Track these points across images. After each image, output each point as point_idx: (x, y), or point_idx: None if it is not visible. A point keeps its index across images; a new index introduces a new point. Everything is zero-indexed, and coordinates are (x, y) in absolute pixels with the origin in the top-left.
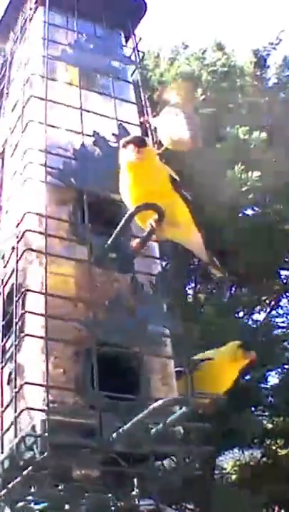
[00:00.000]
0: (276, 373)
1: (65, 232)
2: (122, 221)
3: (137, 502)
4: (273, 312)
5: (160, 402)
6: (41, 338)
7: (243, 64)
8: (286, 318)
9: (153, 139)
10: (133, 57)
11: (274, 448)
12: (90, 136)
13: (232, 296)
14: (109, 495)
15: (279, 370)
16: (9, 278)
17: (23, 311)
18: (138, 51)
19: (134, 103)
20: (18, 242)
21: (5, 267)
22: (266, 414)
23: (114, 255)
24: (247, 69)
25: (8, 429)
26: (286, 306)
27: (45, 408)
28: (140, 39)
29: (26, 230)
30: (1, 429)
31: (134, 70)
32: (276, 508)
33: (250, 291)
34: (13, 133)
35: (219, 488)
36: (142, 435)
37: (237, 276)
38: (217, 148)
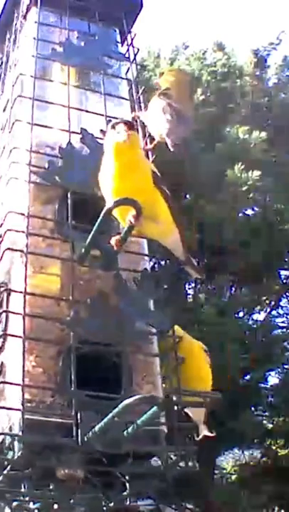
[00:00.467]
0: (276, 373)
1: (49, 231)
2: (100, 216)
3: (128, 502)
4: (273, 312)
5: (130, 399)
6: (20, 337)
7: (243, 64)
8: (286, 318)
9: (144, 134)
10: (128, 54)
11: (274, 448)
12: (78, 134)
13: (232, 296)
14: (100, 495)
15: (279, 370)
16: None
17: (1, 311)
18: (133, 47)
19: (126, 99)
20: (0, 242)
21: None
22: (266, 414)
23: (96, 253)
24: (247, 69)
25: None
26: (286, 306)
27: (21, 407)
28: (135, 35)
29: (7, 230)
30: None
31: (128, 69)
32: (276, 508)
33: (250, 291)
34: (3, 133)
35: (219, 488)
36: (118, 434)
37: (237, 277)
38: (217, 147)
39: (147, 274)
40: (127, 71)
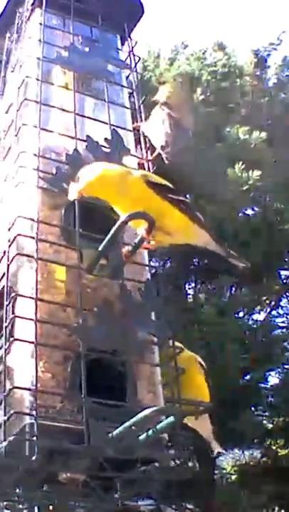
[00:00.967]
0: (276, 373)
1: (56, 237)
2: (114, 228)
3: (119, 505)
4: (273, 312)
5: (148, 410)
6: (31, 343)
7: (243, 64)
8: (286, 318)
9: (145, 144)
10: (128, 61)
11: (274, 448)
12: (83, 140)
13: (232, 296)
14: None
15: (279, 370)
16: None
17: (12, 316)
18: (134, 55)
19: (127, 108)
20: (9, 246)
21: None
22: (266, 414)
23: (104, 262)
24: (247, 69)
25: None
26: (286, 306)
27: (34, 412)
28: (136, 43)
29: (18, 235)
30: None
31: (129, 75)
32: (276, 508)
33: (250, 291)
34: (7, 135)
35: (219, 488)
36: (130, 441)
37: (237, 277)
38: (217, 147)
39: (150, 284)
40: (127, 77)
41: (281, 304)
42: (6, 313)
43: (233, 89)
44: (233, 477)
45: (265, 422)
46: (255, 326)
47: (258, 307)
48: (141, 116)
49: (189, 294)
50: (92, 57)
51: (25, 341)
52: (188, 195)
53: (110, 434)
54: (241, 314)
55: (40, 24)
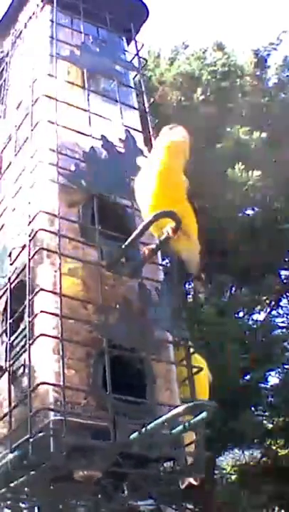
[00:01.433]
0: (276, 373)
1: (74, 234)
2: (140, 226)
3: (126, 504)
4: (273, 312)
5: (182, 407)
6: (56, 338)
7: (243, 64)
8: (286, 318)
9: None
10: (134, 63)
11: (274, 448)
12: (97, 139)
13: (232, 296)
14: (99, 496)
15: (279, 370)
16: (17, 276)
17: (38, 311)
18: (140, 57)
19: (136, 109)
20: (30, 240)
21: (12, 264)
22: (266, 414)
23: (124, 260)
24: (247, 69)
25: (16, 429)
26: (286, 306)
27: (61, 408)
28: (142, 45)
29: (40, 229)
30: (10, 428)
31: (135, 76)
32: (276, 508)
33: (250, 291)
34: (19, 131)
35: (219, 488)
36: (156, 438)
37: (237, 277)
38: (217, 148)
39: (166, 283)
40: (134, 78)
41: (281, 304)
42: (29, 308)
43: (233, 89)
44: (233, 477)
45: (265, 422)
46: (255, 326)
47: (258, 307)
48: (147, 119)
49: (189, 294)
50: (102, 57)
51: (52, 337)
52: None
53: (142, 431)
54: (241, 314)
55: (52, 21)
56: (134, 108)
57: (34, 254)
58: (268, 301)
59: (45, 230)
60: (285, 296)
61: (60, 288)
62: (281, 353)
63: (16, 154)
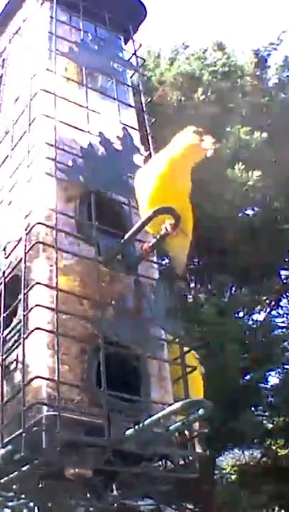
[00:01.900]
0: (276, 373)
1: (70, 229)
2: (139, 222)
3: (116, 504)
4: (273, 312)
5: (178, 404)
6: (52, 332)
7: (243, 64)
8: (286, 318)
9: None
10: (132, 62)
11: (274, 448)
12: (95, 135)
13: (232, 296)
14: (88, 495)
15: (279, 370)
16: (12, 270)
17: (34, 305)
18: (137, 57)
19: (133, 107)
20: (27, 234)
21: (6, 257)
22: (266, 414)
23: (120, 256)
24: (247, 69)
25: (7, 424)
26: (286, 306)
27: (55, 404)
28: (140, 45)
29: (37, 223)
30: (2, 423)
31: (133, 75)
32: (276, 508)
33: (250, 291)
34: (16, 125)
35: (219, 488)
36: (150, 436)
37: (237, 277)
38: (217, 147)
39: (161, 281)
40: (131, 77)
41: (281, 304)
42: (24, 303)
43: (234, 89)
44: (233, 477)
45: (265, 422)
46: (255, 326)
47: (258, 307)
48: (144, 118)
49: (189, 294)
50: (100, 55)
51: (47, 331)
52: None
53: (136, 427)
54: (241, 314)
55: (51, 18)
56: (131, 106)
57: (30, 248)
58: (267, 301)
59: (43, 224)
60: (285, 296)
61: (57, 282)
62: (281, 353)
63: (12, 148)
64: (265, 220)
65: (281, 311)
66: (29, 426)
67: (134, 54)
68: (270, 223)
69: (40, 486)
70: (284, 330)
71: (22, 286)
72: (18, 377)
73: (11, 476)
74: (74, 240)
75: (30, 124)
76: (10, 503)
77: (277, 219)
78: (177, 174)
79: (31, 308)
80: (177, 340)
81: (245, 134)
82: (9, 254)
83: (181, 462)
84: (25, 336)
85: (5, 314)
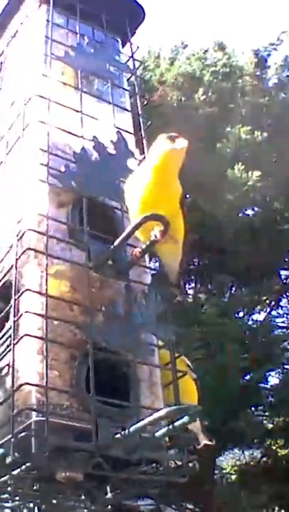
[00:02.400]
0: (276, 373)
1: (62, 235)
2: (128, 229)
3: (109, 506)
4: (273, 312)
5: (165, 410)
6: (41, 339)
7: (243, 64)
8: (286, 318)
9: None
10: (129, 65)
11: (274, 448)
12: (88, 140)
13: (232, 296)
14: (83, 497)
15: (279, 370)
16: (4, 276)
17: (23, 311)
18: (134, 60)
19: (129, 111)
20: (18, 240)
21: None
22: (266, 414)
23: (111, 262)
24: (247, 69)
25: None
26: (286, 306)
27: (44, 409)
28: (138, 48)
29: (28, 229)
30: None
31: (130, 78)
32: (276, 508)
33: (250, 291)
34: (11, 130)
35: (219, 488)
36: (137, 441)
37: (237, 277)
38: (217, 148)
39: (153, 286)
40: (128, 80)
41: (281, 304)
42: (14, 309)
43: (234, 89)
44: (233, 477)
45: (265, 422)
46: (255, 326)
47: (258, 307)
48: (139, 121)
49: (189, 295)
50: (97, 59)
51: (36, 337)
52: (188, 196)
53: (122, 433)
54: (241, 314)
55: (47, 21)
56: (127, 110)
57: (21, 255)
58: (268, 301)
59: (34, 231)
60: (285, 296)
61: (46, 289)
62: (281, 353)
63: (7, 154)
64: (265, 220)
65: (281, 311)
66: (18, 431)
67: (132, 57)
68: (270, 223)
69: (35, 488)
70: (284, 330)
71: (13, 293)
72: (9, 382)
73: (3, 478)
74: (66, 246)
75: (23, 130)
76: (6, 504)
77: (277, 219)
78: (163, 183)
79: (21, 314)
80: (168, 345)
81: (245, 134)
82: (1, 260)
83: (174, 465)
84: (14, 341)
85: None
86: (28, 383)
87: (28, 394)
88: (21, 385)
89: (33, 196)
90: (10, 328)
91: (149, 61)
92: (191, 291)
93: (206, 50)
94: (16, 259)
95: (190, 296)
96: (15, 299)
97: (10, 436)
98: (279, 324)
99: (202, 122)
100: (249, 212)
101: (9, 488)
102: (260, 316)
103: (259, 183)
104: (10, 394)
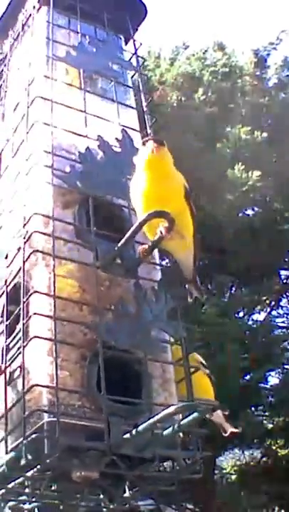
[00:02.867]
0: (276, 373)
1: (69, 235)
2: (133, 228)
3: (128, 504)
4: (273, 312)
5: (173, 407)
6: (50, 340)
7: (243, 64)
8: (286, 318)
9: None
10: (133, 62)
11: (274, 448)
12: (93, 139)
13: (232, 296)
14: (101, 496)
15: (279, 370)
16: (13, 278)
17: (32, 313)
18: (138, 56)
19: (134, 108)
20: (25, 242)
21: (8, 266)
22: (266, 414)
23: (119, 260)
24: (247, 69)
25: (12, 430)
26: (286, 306)
27: (55, 410)
28: (140, 44)
29: (34, 231)
30: (6, 430)
31: (133, 75)
32: (276, 508)
33: (250, 291)
34: (16, 133)
35: (219, 488)
36: (149, 439)
37: (237, 277)
38: (217, 148)
39: (163, 283)
40: (132, 78)
41: (281, 304)
42: (23, 311)
43: (234, 89)
44: (233, 477)
45: (265, 422)
46: (255, 326)
47: (258, 307)
48: (145, 117)
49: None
50: (99, 57)
51: (45, 338)
52: None
53: (133, 431)
54: (241, 314)
55: (48, 22)
56: (132, 107)
57: (28, 257)
58: (268, 301)
59: (40, 232)
60: (285, 296)
61: (54, 290)
62: (281, 353)
63: (13, 156)
64: (265, 220)
65: (281, 311)
66: (30, 433)
67: (135, 54)
68: (270, 223)
69: (53, 488)
70: (284, 330)
71: (21, 295)
72: (21, 384)
73: (18, 481)
74: (73, 246)
75: (27, 132)
76: (10, 504)
77: (277, 219)
78: (159, 182)
79: (30, 316)
80: (179, 341)
81: (245, 134)
82: (11, 262)
83: (184, 463)
84: (24, 343)
85: (7, 322)
86: (37, 384)
87: (40, 395)
88: (32, 387)
89: (39, 198)
90: (20, 331)
91: (149, 61)
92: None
93: (206, 50)
94: (24, 262)
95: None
96: (23, 301)
97: (22, 438)
98: (279, 324)
99: (202, 122)
100: (249, 212)
101: (27, 490)
102: (260, 316)
103: (259, 183)
104: (21, 396)
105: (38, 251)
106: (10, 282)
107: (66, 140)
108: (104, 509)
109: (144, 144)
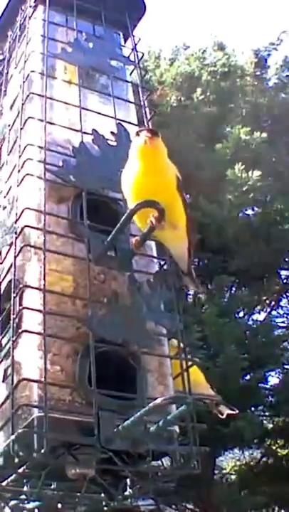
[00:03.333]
0: (276, 373)
1: (63, 230)
2: (123, 218)
3: (129, 502)
4: (273, 312)
5: (160, 399)
6: (39, 334)
7: (243, 64)
8: (286, 318)
9: None
10: (132, 57)
11: (274, 448)
12: (88, 134)
13: (232, 296)
14: (102, 495)
15: (279, 370)
16: (6, 274)
17: (21, 308)
18: (137, 51)
19: (132, 103)
20: (16, 238)
21: (1, 262)
22: (266, 414)
23: (112, 253)
24: (247, 69)
25: (3, 426)
26: (286, 306)
27: (43, 405)
28: (139, 39)
29: (25, 226)
30: None
31: (133, 70)
32: (276, 508)
33: (250, 291)
34: (12, 129)
35: (219, 488)
36: (141, 433)
37: (237, 277)
38: (217, 148)
39: (159, 275)
40: (131, 73)
41: (281, 304)
42: (14, 306)
43: (233, 89)
44: (233, 477)
45: (265, 422)
46: (255, 326)
47: (258, 307)
48: (146, 112)
49: (189, 294)
50: (96, 53)
51: (34, 333)
52: (188, 195)
53: (120, 426)
54: (241, 314)
55: (44, 20)
56: (131, 102)
57: (19, 252)
58: (268, 301)
59: (31, 227)
60: (285, 296)
61: (44, 284)
62: (281, 353)
63: (8, 153)
64: (265, 220)
65: (281, 311)
66: (19, 429)
67: (134, 49)
68: (270, 223)
69: (52, 487)
70: (284, 330)
71: (12, 290)
72: (15, 379)
73: (11, 478)
74: (67, 241)
75: (21, 128)
76: (11, 503)
77: (277, 219)
78: (151, 173)
79: (20, 310)
80: (176, 334)
81: (245, 134)
82: (4, 259)
83: (182, 459)
84: (13, 338)
85: (0, 318)
86: (26, 379)
87: (30, 390)
88: (20, 381)
89: (30, 192)
90: (10, 326)
91: (149, 61)
92: (191, 291)
93: (205, 50)
94: (15, 257)
95: (190, 296)
96: (13, 297)
97: (11, 434)
98: (279, 324)
99: (202, 122)
100: (249, 212)
101: (25, 488)
102: (260, 316)
103: (259, 183)
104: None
105: (29, 245)
106: (3, 279)
107: (61, 135)
108: (105, 507)
109: (137, 134)
